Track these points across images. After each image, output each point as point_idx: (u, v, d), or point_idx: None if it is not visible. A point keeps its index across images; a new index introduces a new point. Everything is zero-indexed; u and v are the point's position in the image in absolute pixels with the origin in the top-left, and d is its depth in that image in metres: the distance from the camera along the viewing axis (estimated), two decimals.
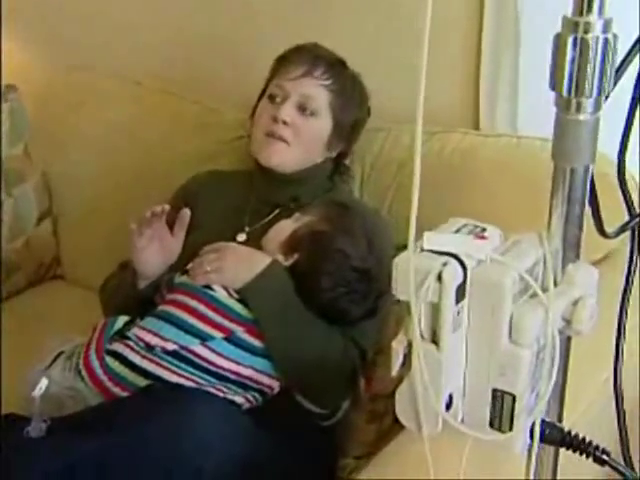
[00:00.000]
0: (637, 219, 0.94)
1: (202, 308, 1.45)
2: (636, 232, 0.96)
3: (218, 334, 1.44)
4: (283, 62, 1.69)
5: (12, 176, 2.09)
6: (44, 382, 1.39)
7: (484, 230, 0.84)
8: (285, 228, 1.54)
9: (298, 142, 1.63)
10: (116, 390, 1.43)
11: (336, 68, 1.68)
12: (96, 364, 1.44)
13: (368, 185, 1.76)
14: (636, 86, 0.85)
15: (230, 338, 1.44)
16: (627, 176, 0.93)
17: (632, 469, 0.87)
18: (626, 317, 0.99)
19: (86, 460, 1.27)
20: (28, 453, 1.30)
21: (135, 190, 2.00)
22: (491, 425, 0.85)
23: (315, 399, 1.50)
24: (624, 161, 0.91)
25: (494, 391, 0.83)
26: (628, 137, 0.87)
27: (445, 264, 0.79)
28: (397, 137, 1.77)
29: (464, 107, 1.78)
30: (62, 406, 1.43)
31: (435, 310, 0.80)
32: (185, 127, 2.00)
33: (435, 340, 0.82)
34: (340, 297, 1.47)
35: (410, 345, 0.83)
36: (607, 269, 1.10)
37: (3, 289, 2.07)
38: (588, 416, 1.22)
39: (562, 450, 0.91)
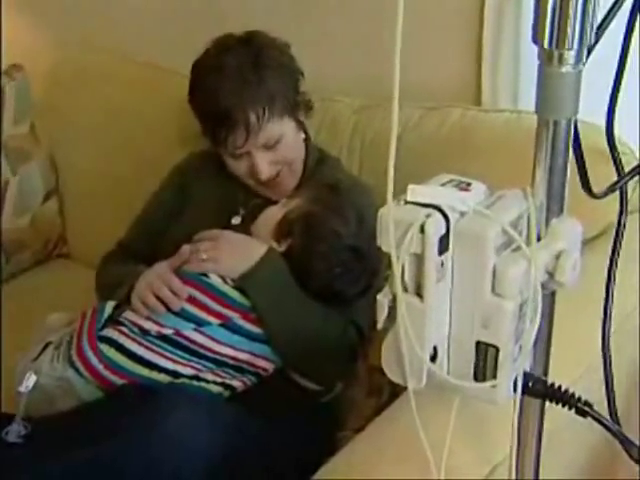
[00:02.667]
0: (625, 179, 0.95)
1: (198, 295, 1.45)
2: (624, 192, 0.97)
3: (214, 320, 1.44)
4: (215, 130, 1.56)
5: (18, 155, 2.10)
6: (32, 379, 1.37)
7: (469, 185, 0.85)
8: (274, 214, 1.53)
9: (288, 166, 1.61)
10: (114, 378, 1.41)
11: (258, 77, 1.53)
12: (90, 353, 1.42)
13: (368, 160, 1.75)
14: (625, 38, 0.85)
15: (226, 324, 1.44)
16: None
17: (617, 423, 0.87)
18: (614, 280, 1.00)
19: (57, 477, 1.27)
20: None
21: (142, 169, 2.00)
22: (475, 378, 0.85)
23: (315, 379, 1.51)
24: (613, 118, 0.92)
25: (478, 343, 0.84)
26: (618, 90, 0.87)
27: (428, 216, 0.80)
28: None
29: (466, 83, 1.77)
30: (52, 398, 1.42)
31: (419, 262, 0.81)
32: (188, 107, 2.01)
33: (419, 292, 0.83)
34: (337, 278, 1.47)
35: (395, 298, 0.83)
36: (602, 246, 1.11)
37: (9, 267, 2.09)
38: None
39: None
